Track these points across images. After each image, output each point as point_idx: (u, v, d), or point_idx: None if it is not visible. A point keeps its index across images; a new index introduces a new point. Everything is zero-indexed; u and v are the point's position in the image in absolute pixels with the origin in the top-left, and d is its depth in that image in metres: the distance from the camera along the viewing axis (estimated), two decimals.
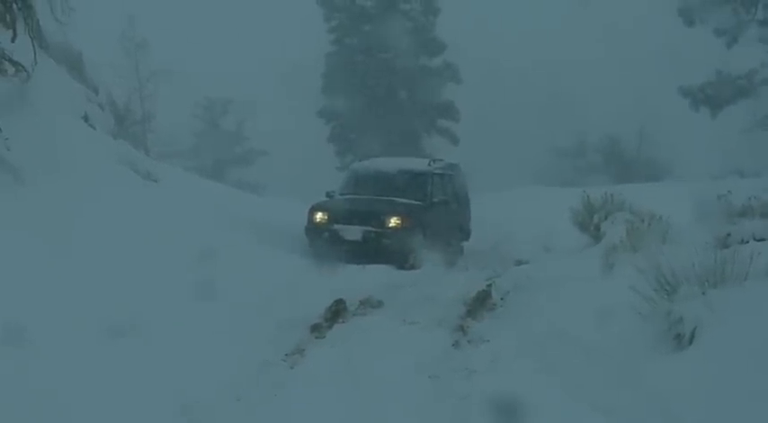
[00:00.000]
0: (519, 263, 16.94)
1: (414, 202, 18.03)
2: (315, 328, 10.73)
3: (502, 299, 12.52)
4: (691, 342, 7.41)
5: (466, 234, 20.64)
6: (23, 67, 13.82)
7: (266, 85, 60.99)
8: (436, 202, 18.55)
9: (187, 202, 16.38)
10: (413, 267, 16.69)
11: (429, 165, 19.58)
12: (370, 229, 17.07)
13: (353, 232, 17.08)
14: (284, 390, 8.21)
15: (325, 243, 17.02)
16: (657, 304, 8.10)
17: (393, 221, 17.12)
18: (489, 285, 13.40)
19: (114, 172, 15.34)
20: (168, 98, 44.60)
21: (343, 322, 11.23)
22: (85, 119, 17.15)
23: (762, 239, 10.58)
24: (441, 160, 20.85)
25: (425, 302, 12.23)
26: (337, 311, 11.58)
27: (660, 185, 32.48)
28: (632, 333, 8.26)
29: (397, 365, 8.93)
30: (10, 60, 13.60)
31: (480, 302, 12.21)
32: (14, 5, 13.96)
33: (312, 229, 17.50)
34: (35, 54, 14.34)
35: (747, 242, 10.34)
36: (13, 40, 13.71)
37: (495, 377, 8.55)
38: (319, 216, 17.51)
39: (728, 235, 10.69)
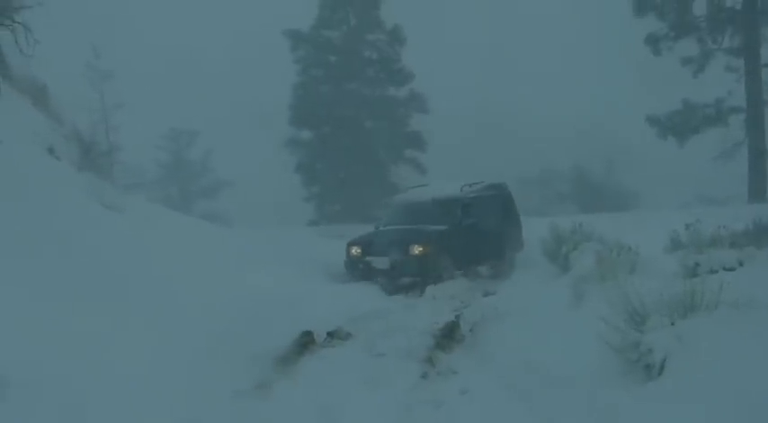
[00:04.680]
0: (486, 293, 16.96)
1: (440, 227, 19.24)
2: (283, 361, 10.63)
3: (470, 330, 12.47)
4: (660, 372, 7.39)
5: (513, 246, 22.06)
6: None
7: (234, 116, 60.99)
8: (467, 225, 19.83)
9: (152, 233, 16.23)
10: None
11: (461, 190, 20.90)
12: (395, 257, 18.53)
13: (383, 262, 18.64)
14: None
15: (360, 273, 18.96)
16: (627, 335, 8.07)
17: (415, 249, 18.44)
18: (457, 317, 13.36)
19: (79, 203, 15.17)
20: (134, 129, 44.48)
21: (312, 355, 11.13)
22: (51, 151, 16.99)
23: (731, 269, 10.58)
24: (478, 183, 21.86)
25: (393, 334, 12.12)
26: (305, 344, 11.48)
27: (629, 215, 32.60)
28: (602, 364, 8.22)
29: (365, 399, 8.88)
30: None
31: (448, 334, 12.14)
32: None
33: (350, 261, 19.42)
34: None
35: (717, 272, 10.35)
36: None
37: (464, 409, 8.50)
38: (354, 250, 19.39)
39: (697, 264, 10.69)
